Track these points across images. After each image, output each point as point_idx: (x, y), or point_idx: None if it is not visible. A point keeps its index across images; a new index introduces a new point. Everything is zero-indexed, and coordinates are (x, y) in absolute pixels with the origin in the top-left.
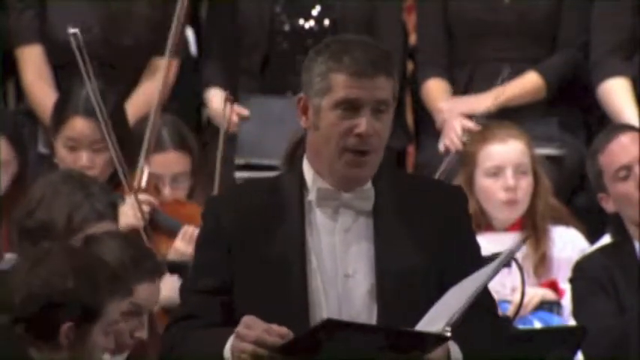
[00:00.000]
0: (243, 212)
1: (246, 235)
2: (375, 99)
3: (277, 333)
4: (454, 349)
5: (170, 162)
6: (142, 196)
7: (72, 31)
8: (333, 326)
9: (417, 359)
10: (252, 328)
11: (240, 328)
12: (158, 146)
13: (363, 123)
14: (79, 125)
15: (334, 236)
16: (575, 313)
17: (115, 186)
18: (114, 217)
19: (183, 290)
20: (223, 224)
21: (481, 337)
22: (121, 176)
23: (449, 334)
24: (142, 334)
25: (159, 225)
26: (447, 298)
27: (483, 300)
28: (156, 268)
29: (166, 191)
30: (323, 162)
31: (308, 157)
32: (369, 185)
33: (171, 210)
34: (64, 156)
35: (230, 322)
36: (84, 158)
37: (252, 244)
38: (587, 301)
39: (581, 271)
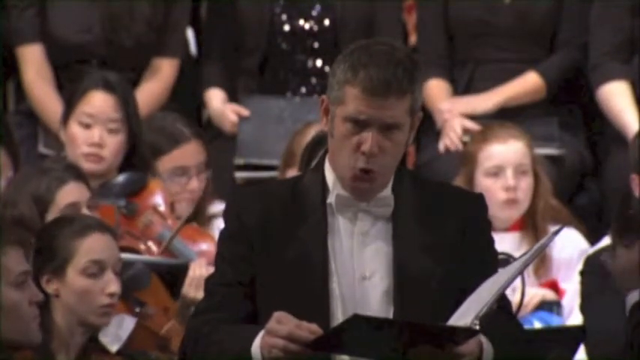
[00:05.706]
0: (266, 212)
1: (268, 234)
2: (382, 120)
3: (308, 329)
4: (486, 342)
5: (194, 151)
6: None
7: None
8: (362, 321)
9: (451, 352)
10: (283, 323)
11: (271, 324)
12: (180, 139)
13: (368, 141)
14: (98, 99)
15: (352, 239)
16: (582, 307)
17: (132, 195)
18: (77, 177)
19: (208, 283)
20: (246, 223)
21: (505, 333)
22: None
23: (477, 327)
24: (115, 288)
25: (171, 248)
26: (479, 293)
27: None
28: (103, 225)
29: (194, 183)
30: (337, 168)
31: (329, 160)
32: (388, 193)
33: (186, 235)
34: (75, 134)
35: (254, 316)
36: (96, 135)
37: (275, 244)
38: (594, 298)
39: (593, 265)
